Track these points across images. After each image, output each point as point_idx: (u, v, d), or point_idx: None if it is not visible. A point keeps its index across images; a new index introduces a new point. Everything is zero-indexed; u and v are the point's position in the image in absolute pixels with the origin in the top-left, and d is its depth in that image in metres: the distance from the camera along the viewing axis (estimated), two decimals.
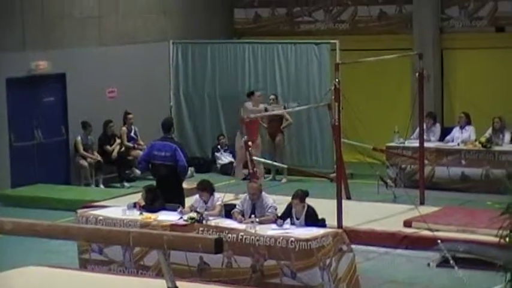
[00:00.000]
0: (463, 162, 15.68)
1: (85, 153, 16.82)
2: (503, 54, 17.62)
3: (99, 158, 16.95)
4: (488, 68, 17.76)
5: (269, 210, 11.00)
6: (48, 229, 6.73)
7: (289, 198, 11.19)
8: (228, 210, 11.29)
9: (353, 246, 10.74)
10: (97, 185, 16.87)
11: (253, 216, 10.79)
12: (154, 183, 12.49)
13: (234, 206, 11.34)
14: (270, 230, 10.53)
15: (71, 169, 17.03)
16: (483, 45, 17.81)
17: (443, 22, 18.12)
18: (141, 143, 17.33)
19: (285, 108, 17.19)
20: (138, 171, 16.79)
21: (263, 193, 11.25)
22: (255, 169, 13.56)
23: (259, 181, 12.08)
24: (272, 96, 17.41)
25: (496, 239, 7.30)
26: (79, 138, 16.88)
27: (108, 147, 17.21)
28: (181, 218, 11.08)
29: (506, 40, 17.63)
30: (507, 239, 6.99)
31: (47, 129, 16.74)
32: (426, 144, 15.09)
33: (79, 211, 12.31)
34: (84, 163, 16.77)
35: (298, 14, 19.46)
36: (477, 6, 17.84)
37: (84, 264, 11.42)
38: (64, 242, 10.23)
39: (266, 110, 16.37)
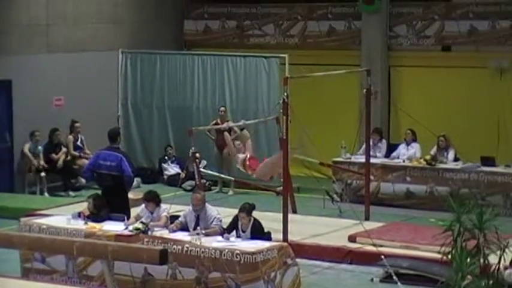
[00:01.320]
0: (408, 178, 15.81)
1: (33, 159, 16.65)
2: (449, 73, 17.82)
3: (45, 165, 16.78)
4: (435, 86, 17.95)
5: (214, 222, 10.99)
6: None
7: (235, 211, 11.19)
8: (173, 222, 11.25)
9: (298, 260, 10.79)
10: (41, 194, 16.69)
11: (198, 228, 10.77)
12: (99, 192, 12.41)
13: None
14: (216, 242, 10.53)
15: (15, 177, 16.82)
16: (430, 64, 18.01)
17: (391, 40, 18.30)
18: (88, 152, 17.20)
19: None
20: (83, 180, 16.66)
21: (207, 204, 11.25)
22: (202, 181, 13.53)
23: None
24: (222, 108, 17.42)
25: (439, 256, 7.38)
26: (28, 145, 16.70)
27: (54, 155, 17.04)
28: (126, 228, 11.02)
29: (452, 59, 17.85)
30: (449, 256, 7.06)
31: None
32: (372, 160, 15.21)
33: (22, 219, 12.17)
34: (34, 169, 16.59)
35: (249, 27, 19.50)
36: (424, 25, 18.04)
37: (27, 273, 11.30)
38: (7, 250, 10.10)
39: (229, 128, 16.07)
